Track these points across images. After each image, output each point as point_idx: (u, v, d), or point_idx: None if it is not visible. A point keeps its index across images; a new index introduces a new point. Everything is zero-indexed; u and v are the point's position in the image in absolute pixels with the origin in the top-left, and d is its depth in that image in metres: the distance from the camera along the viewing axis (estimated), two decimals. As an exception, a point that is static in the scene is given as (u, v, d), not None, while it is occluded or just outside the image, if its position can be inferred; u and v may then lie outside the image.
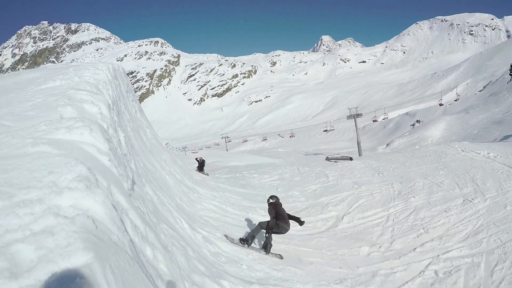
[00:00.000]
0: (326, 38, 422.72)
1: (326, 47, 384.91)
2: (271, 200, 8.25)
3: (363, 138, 51.78)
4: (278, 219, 7.74)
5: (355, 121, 38.70)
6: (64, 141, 4.22)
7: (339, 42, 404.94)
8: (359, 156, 32.89)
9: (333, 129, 66.20)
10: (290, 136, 67.96)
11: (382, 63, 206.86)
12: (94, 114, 5.50)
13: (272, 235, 7.60)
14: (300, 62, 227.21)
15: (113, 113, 6.55)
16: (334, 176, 17.12)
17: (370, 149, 48.17)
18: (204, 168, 21.55)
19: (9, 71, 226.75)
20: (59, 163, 3.57)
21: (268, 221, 7.75)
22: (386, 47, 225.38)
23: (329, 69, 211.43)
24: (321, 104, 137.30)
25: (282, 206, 8.30)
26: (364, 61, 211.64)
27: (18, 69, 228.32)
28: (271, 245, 7.61)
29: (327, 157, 33.55)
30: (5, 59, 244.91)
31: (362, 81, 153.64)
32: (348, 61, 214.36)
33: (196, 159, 23.05)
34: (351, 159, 28.01)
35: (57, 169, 3.43)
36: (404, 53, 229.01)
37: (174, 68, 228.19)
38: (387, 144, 53.55)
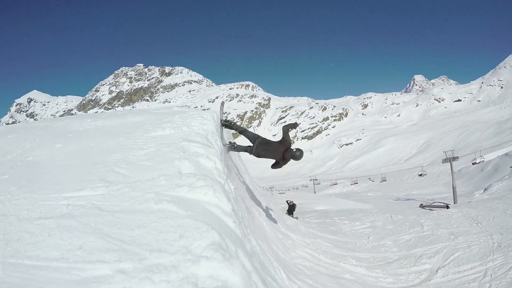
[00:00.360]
0: (418, 78, 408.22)
1: (419, 87, 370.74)
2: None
3: (459, 183, 48.46)
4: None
5: (450, 164, 36.95)
6: (187, 200, 4.30)
7: (433, 81, 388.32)
8: (455, 203, 31.14)
9: (426, 174, 62.93)
10: (381, 181, 65.85)
11: (479, 101, 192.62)
12: (210, 169, 5.71)
13: None
14: (392, 103, 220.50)
15: (224, 166, 6.92)
16: (429, 225, 16.63)
17: (466, 195, 44.90)
18: (294, 212, 22.01)
19: (106, 105, 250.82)
20: (189, 226, 3.58)
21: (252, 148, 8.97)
22: (482, 83, 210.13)
23: (422, 109, 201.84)
24: (414, 147, 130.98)
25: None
26: (459, 100, 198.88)
27: (114, 105, 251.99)
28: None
29: (422, 204, 32.23)
30: (103, 95, 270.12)
31: (458, 121, 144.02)
32: (442, 100, 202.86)
33: (287, 201, 23.55)
34: (447, 207, 26.72)
35: (187, 233, 3.43)
36: (501, 87, 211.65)
37: (264, 110, 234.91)
38: (485, 189, 49.47)
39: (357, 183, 69.84)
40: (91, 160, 6.38)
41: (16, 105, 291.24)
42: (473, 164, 64.08)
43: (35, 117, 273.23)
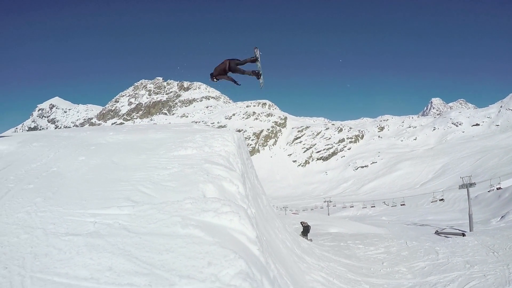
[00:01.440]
0: (436, 101, 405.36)
1: (437, 110, 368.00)
2: None
3: (475, 209, 47.30)
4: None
5: (467, 191, 36.29)
6: (213, 226, 4.39)
7: (450, 104, 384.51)
8: (471, 230, 30.53)
9: (443, 200, 61.67)
10: (401, 204, 64.67)
11: (497, 125, 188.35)
12: (233, 193, 5.82)
13: None
14: (409, 126, 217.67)
15: (247, 190, 7.13)
16: (445, 253, 16.37)
17: (482, 222, 43.85)
18: (308, 233, 21.88)
19: (125, 116, 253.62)
20: (217, 253, 3.63)
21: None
22: (501, 106, 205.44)
23: (439, 133, 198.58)
24: (430, 171, 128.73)
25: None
26: (477, 124, 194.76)
27: (133, 116, 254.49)
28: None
29: (437, 230, 31.64)
30: (122, 106, 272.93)
31: (476, 146, 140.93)
32: (460, 124, 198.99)
33: (301, 223, 23.41)
34: (463, 234, 26.25)
35: (215, 260, 3.46)
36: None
37: (280, 129, 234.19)
38: (502, 217, 48.21)
39: (374, 206, 69.04)
40: (116, 177, 6.54)
41: (38, 110, 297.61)
42: (497, 189, 62.28)
43: (56, 123, 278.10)
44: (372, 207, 68.92)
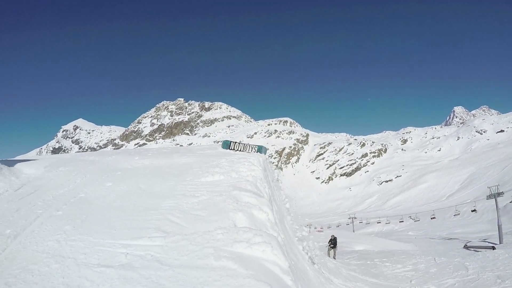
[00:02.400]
0: (458, 109, 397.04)
1: (460, 119, 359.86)
2: None
3: (504, 219, 45.72)
4: None
5: (495, 201, 35.16)
6: (246, 257, 4.37)
7: (473, 111, 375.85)
8: (500, 242, 29.50)
9: (476, 210, 59.56)
10: (431, 218, 63.01)
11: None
12: (263, 221, 5.80)
13: None
14: (433, 138, 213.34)
15: (275, 214, 7.07)
16: (475, 268, 15.89)
17: (512, 233, 42.37)
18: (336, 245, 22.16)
19: (147, 137, 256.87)
20: (252, 287, 3.64)
21: None
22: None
23: (464, 143, 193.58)
24: (456, 182, 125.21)
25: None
26: (502, 130, 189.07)
27: (155, 137, 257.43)
28: None
29: (466, 244, 30.70)
30: (144, 127, 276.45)
31: (501, 154, 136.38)
32: (484, 132, 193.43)
33: (331, 236, 23.63)
34: (493, 247, 25.52)
35: None
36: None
37: (302, 146, 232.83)
38: (532, 226, 46.45)
39: (402, 221, 67.50)
40: (144, 205, 6.58)
41: (62, 131, 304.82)
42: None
43: (80, 144, 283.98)
44: (400, 222, 67.45)
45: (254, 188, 7.27)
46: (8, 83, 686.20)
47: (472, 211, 58.17)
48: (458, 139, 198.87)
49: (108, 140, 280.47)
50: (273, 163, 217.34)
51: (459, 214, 60.10)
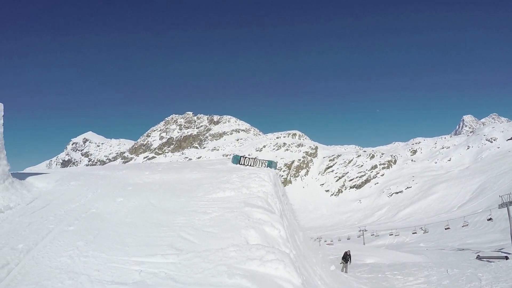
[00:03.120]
0: (467, 118, 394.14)
1: (469, 127, 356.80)
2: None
3: (516, 227, 45.13)
4: None
5: (507, 209, 34.69)
6: (259, 274, 4.39)
7: (483, 120, 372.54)
8: (514, 252, 29.19)
9: (491, 219, 58.63)
10: (446, 228, 62.24)
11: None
12: (275, 238, 5.82)
13: None
14: (442, 147, 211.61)
15: (287, 231, 7.09)
16: (488, 279, 15.66)
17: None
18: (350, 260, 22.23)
19: (156, 150, 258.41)
20: None
21: None
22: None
23: (474, 152, 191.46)
24: (467, 192, 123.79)
25: None
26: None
27: (164, 150, 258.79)
28: None
29: (479, 255, 30.30)
30: (154, 140, 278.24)
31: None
32: (494, 140, 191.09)
33: (345, 252, 23.63)
34: (506, 257, 25.19)
35: None
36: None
37: (311, 159, 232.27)
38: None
39: (415, 232, 66.85)
40: (156, 221, 6.62)
41: (72, 144, 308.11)
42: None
43: (89, 156, 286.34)
44: (413, 233, 66.81)
45: (265, 204, 7.29)
46: (19, 93, 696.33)
47: (488, 220, 57.34)
48: (468, 148, 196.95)
49: (117, 153, 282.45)
50: (282, 176, 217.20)
51: (467, 225, 59.32)
